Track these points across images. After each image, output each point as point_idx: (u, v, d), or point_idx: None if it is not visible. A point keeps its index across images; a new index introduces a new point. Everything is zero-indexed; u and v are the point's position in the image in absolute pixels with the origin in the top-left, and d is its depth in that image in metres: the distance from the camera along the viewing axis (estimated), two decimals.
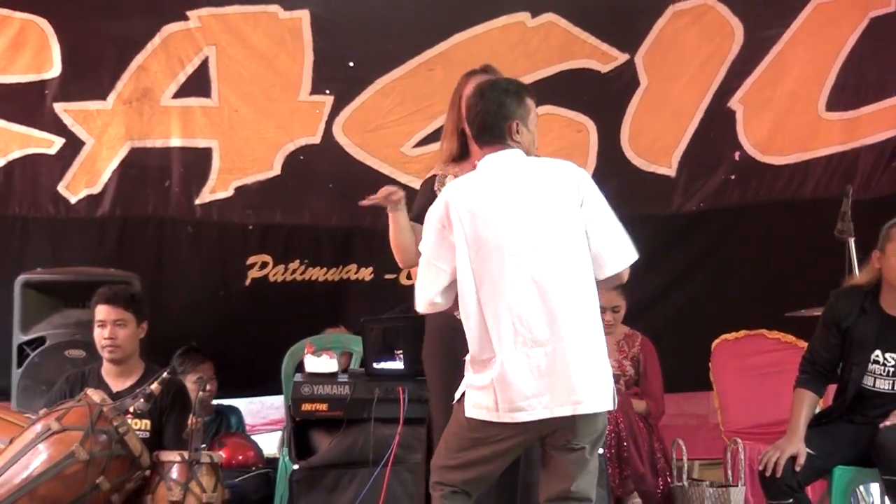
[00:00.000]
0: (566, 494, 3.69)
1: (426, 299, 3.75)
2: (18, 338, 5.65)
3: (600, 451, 4.60)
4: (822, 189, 6.61)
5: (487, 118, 3.80)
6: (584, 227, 3.72)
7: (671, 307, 6.61)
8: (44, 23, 6.18)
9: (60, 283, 5.72)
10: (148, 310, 5.17)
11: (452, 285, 3.71)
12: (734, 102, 6.56)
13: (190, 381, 5.69)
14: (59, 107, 6.24)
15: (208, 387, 5.83)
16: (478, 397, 3.68)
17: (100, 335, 5.01)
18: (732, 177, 6.63)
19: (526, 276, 3.64)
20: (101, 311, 5.02)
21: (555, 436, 3.68)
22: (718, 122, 6.58)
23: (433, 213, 3.77)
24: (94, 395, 4.50)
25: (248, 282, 6.47)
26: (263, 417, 6.81)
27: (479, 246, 3.66)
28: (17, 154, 6.25)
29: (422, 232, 3.86)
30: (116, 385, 4.97)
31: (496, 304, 3.64)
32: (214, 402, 6.14)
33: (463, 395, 3.74)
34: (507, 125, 3.79)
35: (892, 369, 4.72)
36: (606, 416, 3.76)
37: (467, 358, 3.74)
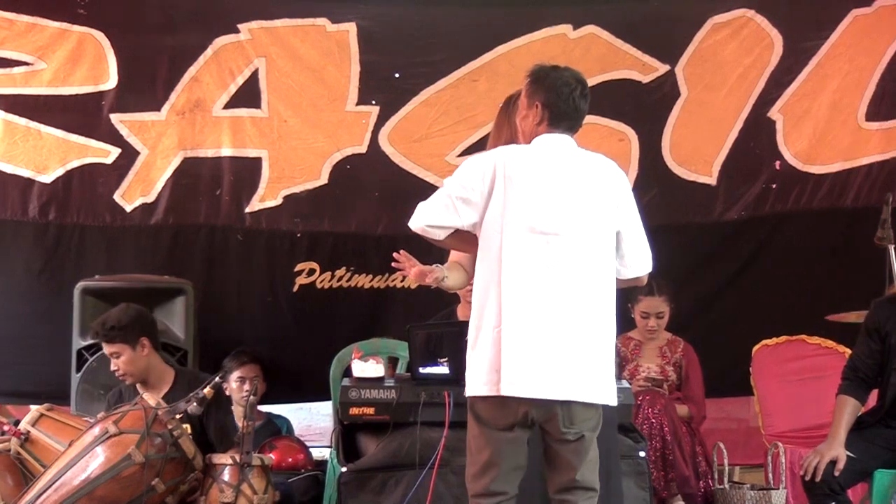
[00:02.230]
0: (572, 484, 3.75)
1: (424, 222, 3.82)
2: (77, 343, 5.75)
3: (642, 453, 4.69)
4: (862, 197, 6.61)
5: (584, 108, 3.93)
6: (615, 227, 3.83)
7: (714, 313, 6.61)
8: (101, 36, 6.31)
9: (117, 290, 5.77)
10: (146, 322, 5.12)
11: (450, 229, 3.80)
12: (774, 112, 6.59)
13: (232, 380, 5.80)
14: (115, 118, 6.36)
15: (259, 387, 5.91)
16: (479, 374, 3.74)
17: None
18: (773, 186, 6.65)
19: (549, 256, 3.72)
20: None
21: (552, 423, 3.73)
22: (758, 131, 6.60)
23: (478, 165, 3.83)
24: (150, 398, 4.56)
25: (295, 288, 6.54)
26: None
27: (513, 220, 3.74)
28: (75, 164, 6.37)
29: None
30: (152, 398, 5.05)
31: (513, 279, 3.72)
32: (263, 409, 6.19)
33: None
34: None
35: None
36: (600, 409, 3.80)
37: (468, 338, 3.79)
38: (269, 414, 6.27)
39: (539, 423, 3.77)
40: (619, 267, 3.86)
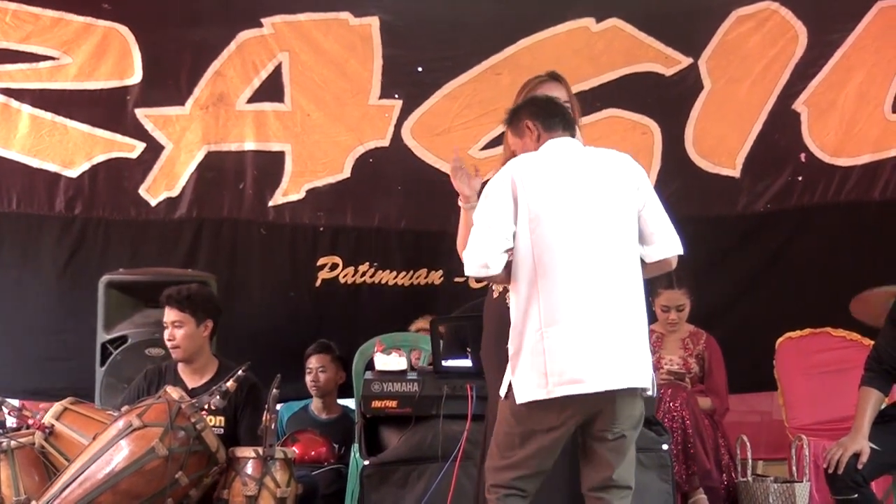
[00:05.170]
0: (608, 483, 3.74)
1: (480, 261, 3.73)
2: (102, 336, 5.75)
3: (664, 446, 4.68)
4: (891, 190, 6.57)
5: (570, 114, 4.04)
6: (636, 215, 3.82)
7: (739, 308, 6.58)
8: (125, 30, 6.35)
9: (141, 284, 5.80)
10: (216, 307, 5.23)
11: (506, 254, 3.75)
12: (799, 105, 6.55)
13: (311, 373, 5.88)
14: (140, 112, 6.40)
15: (320, 378, 5.97)
16: (526, 379, 3.71)
17: (165, 336, 5.15)
18: (799, 178, 6.61)
19: (580, 253, 3.71)
20: (164, 314, 5.14)
21: (595, 423, 3.72)
22: (783, 124, 6.56)
23: (495, 184, 3.83)
24: (173, 392, 4.57)
25: (318, 283, 6.56)
26: None
27: (539, 220, 3.74)
28: (101, 158, 6.41)
29: None
30: (191, 382, 5.07)
31: (549, 279, 3.70)
32: (341, 402, 6.15)
33: (510, 389, 3.77)
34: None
35: None
36: (642, 401, 3.79)
37: (510, 343, 3.77)
38: (345, 407, 6.16)
39: (582, 422, 3.75)
40: (646, 251, 3.83)
